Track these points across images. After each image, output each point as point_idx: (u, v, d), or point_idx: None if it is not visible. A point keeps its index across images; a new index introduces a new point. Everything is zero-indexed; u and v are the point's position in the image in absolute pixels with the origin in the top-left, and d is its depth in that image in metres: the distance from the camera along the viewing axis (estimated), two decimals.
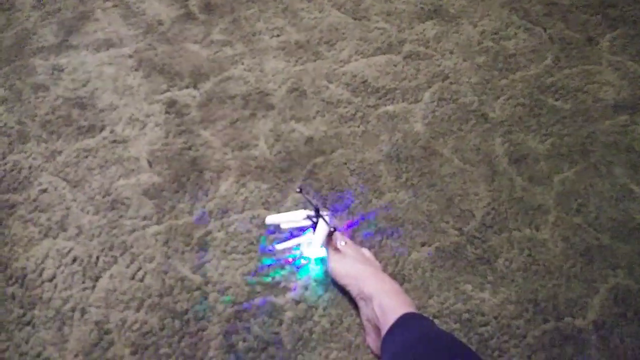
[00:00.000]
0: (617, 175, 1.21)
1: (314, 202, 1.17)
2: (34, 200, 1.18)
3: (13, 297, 1.05)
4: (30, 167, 1.24)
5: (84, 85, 1.40)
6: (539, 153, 1.26)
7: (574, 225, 1.14)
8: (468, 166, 1.24)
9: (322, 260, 1.08)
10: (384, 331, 0.85)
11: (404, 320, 0.83)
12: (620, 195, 1.18)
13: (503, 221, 1.15)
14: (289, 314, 1.02)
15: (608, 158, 1.24)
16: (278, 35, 1.54)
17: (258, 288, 1.05)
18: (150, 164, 1.24)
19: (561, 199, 1.18)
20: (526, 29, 1.56)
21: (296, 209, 1.16)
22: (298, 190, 1.06)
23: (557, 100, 1.37)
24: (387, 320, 0.85)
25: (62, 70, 1.44)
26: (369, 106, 1.36)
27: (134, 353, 0.97)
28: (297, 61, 1.47)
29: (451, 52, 1.50)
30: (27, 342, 0.99)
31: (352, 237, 1.12)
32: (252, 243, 1.12)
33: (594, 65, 1.45)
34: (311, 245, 1.03)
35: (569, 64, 1.46)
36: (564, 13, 1.60)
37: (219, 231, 1.13)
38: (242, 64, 1.46)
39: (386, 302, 0.89)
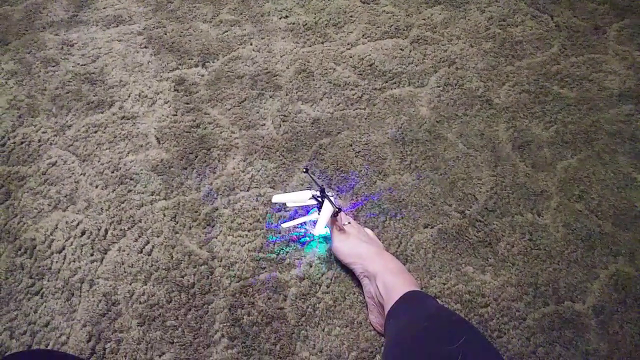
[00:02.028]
0: (620, 163, 1.22)
1: (320, 182, 1.19)
2: (44, 173, 1.20)
3: (22, 267, 1.07)
4: (39, 141, 1.25)
5: (94, 61, 1.41)
6: (543, 140, 1.27)
7: (575, 212, 1.16)
8: (472, 151, 1.25)
9: (327, 239, 1.10)
10: (387, 308, 0.86)
11: (408, 298, 0.85)
12: (623, 183, 1.19)
13: (505, 205, 1.16)
14: (293, 290, 1.04)
15: (612, 146, 1.26)
16: (287, 17, 1.55)
17: (263, 264, 1.07)
18: (158, 140, 1.26)
19: (564, 186, 1.20)
20: (533, 16, 1.57)
21: (302, 189, 1.18)
22: (304, 170, 1.07)
23: (562, 87, 1.38)
24: (391, 297, 0.87)
25: (72, 45, 1.45)
26: (375, 89, 1.37)
27: (141, 324, 1.00)
28: (305, 43, 1.48)
29: (458, 38, 1.50)
30: (35, 312, 1.01)
31: (356, 217, 1.14)
32: (258, 220, 1.13)
33: (600, 54, 1.46)
34: (316, 225, 1.05)
35: (575, 52, 1.47)
36: (571, 1, 1.61)
37: (225, 208, 1.15)
38: (251, 44, 1.47)
39: (390, 280, 0.90)
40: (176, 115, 1.30)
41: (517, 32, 1.52)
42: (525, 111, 1.33)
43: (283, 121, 1.30)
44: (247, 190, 1.18)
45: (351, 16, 1.55)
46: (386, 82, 1.39)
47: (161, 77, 1.38)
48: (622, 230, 1.13)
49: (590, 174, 1.21)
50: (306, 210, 1.14)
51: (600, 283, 1.06)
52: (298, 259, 1.08)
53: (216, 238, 1.11)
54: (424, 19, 1.55)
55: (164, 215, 1.13)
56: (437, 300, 1.02)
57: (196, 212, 1.14)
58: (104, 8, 1.55)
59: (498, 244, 1.11)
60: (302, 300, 1.03)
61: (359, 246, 1.01)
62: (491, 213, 1.15)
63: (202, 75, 1.39)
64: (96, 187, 1.18)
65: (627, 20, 1.54)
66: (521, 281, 1.06)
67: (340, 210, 1.05)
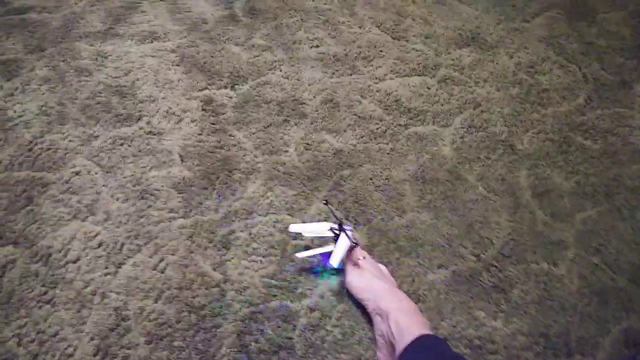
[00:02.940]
0: None
1: (338, 215, 1.19)
2: (67, 182, 1.21)
3: (36, 274, 1.07)
4: (66, 149, 1.27)
5: (126, 75, 1.44)
6: (564, 190, 1.27)
7: (591, 265, 1.15)
8: (492, 195, 1.25)
9: (340, 272, 1.09)
10: (399, 349, 0.86)
11: (422, 342, 0.85)
12: None
13: (521, 253, 1.16)
14: (302, 321, 1.04)
15: (632, 202, 1.25)
16: (317, 46, 1.57)
17: (275, 292, 1.07)
18: (182, 158, 1.27)
19: (581, 237, 1.19)
20: (561, 65, 1.57)
21: (319, 218, 1.18)
22: (324, 202, 1.08)
23: (586, 139, 1.38)
24: (403, 338, 0.86)
25: (106, 57, 1.48)
26: (399, 125, 1.38)
27: (148, 342, 1.00)
28: (333, 73, 1.49)
29: (485, 81, 1.51)
30: (45, 320, 1.02)
31: (370, 252, 1.14)
32: (273, 247, 1.14)
33: (626, 109, 1.46)
34: (331, 257, 1.05)
35: (601, 104, 1.47)
36: (600, 54, 1.61)
37: (242, 231, 1.16)
38: (280, 70, 1.49)
39: (403, 321, 0.90)
40: (201, 134, 1.32)
41: (544, 80, 1.53)
42: (548, 160, 1.33)
43: (306, 149, 1.31)
44: (265, 216, 1.18)
45: (381, 51, 1.57)
46: (411, 119, 1.39)
47: (190, 95, 1.40)
48: (636, 286, 1.12)
49: (609, 227, 1.21)
50: (322, 241, 1.14)
51: (612, 338, 1.05)
52: (310, 289, 1.08)
53: (230, 261, 1.11)
54: (452, 60, 1.56)
55: (181, 234, 1.14)
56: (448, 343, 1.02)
57: (213, 233, 1.15)
58: (140, 23, 1.58)
59: (512, 291, 1.10)
60: (312, 331, 1.02)
61: (372, 282, 1.01)
62: (507, 259, 1.15)
63: (230, 97, 1.41)
64: (117, 199, 1.19)
65: None
66: (532, 331, 1.05)
67: (356, 245, 1.06)
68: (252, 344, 1.00)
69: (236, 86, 1.44)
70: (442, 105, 1.44)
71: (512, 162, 1.32)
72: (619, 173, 1.31)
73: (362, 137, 1.35)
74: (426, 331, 0.88)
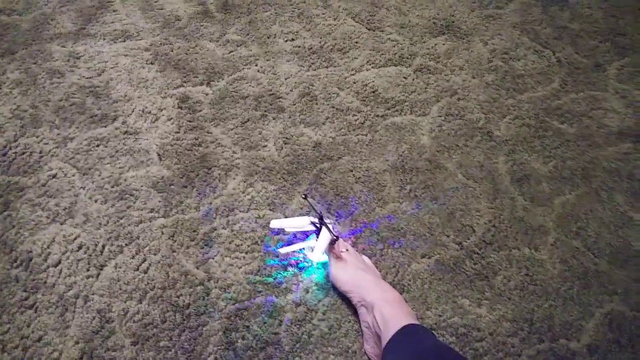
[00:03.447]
0: (618, 202, 1.23)
1: (319, 208, 1.19)
2: (43, 185, 1.19)
3: (17, 279, 1.06)
4: (41, 152, 1.25)
5: (99, 75, 1.42)
6: (542, 174, 1.28)
7: (572, 248, 1.16)
8: (471, 182, 1.26)
9: (324, 265, 1.10)
10: (384, 340, 0.86)
11: (407, 332, 0.85)
12: (620, 222, 1.20)
13: (503, 239, 1.17)
14: (288, 316, 1.04)
15: (609, 184, 1.27)
16: (293, 40, 1.56)
17: (260, 287, 1.07)
18: (160, 157, 1.26)
19: (561, 221, 1.20)
20: (535, 50, 1.59)
21: (301, 212, 1.18)
22: (303, 196, 1.08)
23: (562, 123, 1.39)
24: (389, 329, 0.87)
25: (79, 58, 1.46)
26: (377, 116, 1.38)
27: (134, 343, 0.99)
28: (310, 66, 1.49)
29: (461, 69, 1.52)
30: (28, 326, 1.01)
31: (354, 244, 1.14)
32: (256, 242, 1.13)
33: (600, 92, 1.48)
34: (314, 251, 1.05)
35: (576, 88, 1.48)
36: (573, 38, 1.63)
37: (224, 228, 1.15)
38: (256, 65, 1.48)
39: (388, 311, 0.90)
40: (179, 132, 1.31)
41: (519, 65, 1.54)
42: (525, 145, 1.34)
43: (285, 144, 1.30)
44: (247, 212, 1.18)
45: (356, 42, 1.57)
46: (388, 109, 1.40)
47: (165, 93, 1.39)
48: (617, 269, 1.13)
49: (588, 211, 1.22)
50: (305, 235, 1.14)
51: (595, 322, 1.06)
52: (295, 284, 1.08)
53: (213, 259, 1.10)
54: (428, 49, 1.57)
55: (162, 233, 1.13)
56: (434, 332, 1.02)
57: (194, 231, 1.14)
58: (112, 22, 1.56)
59: (495, 278, 1.11)
60: (298, 326, 1.02)
61: (356, 274, 1.01)
62: (489, 246, 1.16)
63: (207, 94, 1.39)
64: (95, 201, 1.17)
65: (627, 59, 1.56)
66: (517, 316, 1.06)
67: (337, 238, 1.06)
68: (239, 340, 1.00)
69: (212, 82, 1.42)
70: (419, 94, 1.44)
71: (490, 148, 1.33)
72: (595, 155, 1.32)
73: (341, 129, 1.35)
74: (411, 321, 0.88)
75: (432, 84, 1.47)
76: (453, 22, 1.66)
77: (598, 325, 1.05)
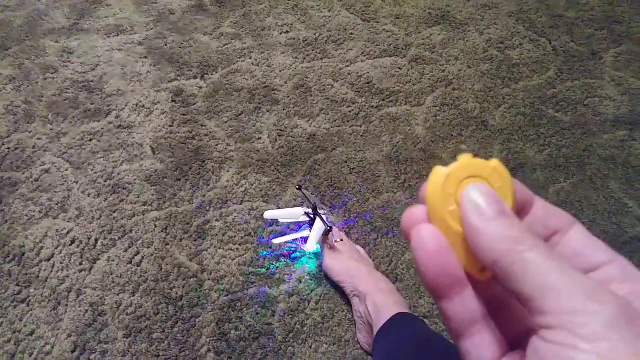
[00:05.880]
0: (612, 189, 1.23)
1: (312, 200, 1.19)
2: (36, 180, 1.20)
3: (9, 274, 1.06)
4: (34, 147, 1.25)
5: (93, 69, 1.42)
6: (537, 163, 1.28)
7: None
8: None
9: (317, 255, 1.09)
10: (376, 329, 0.86)
11: (398, 320, 0.85)
12: (614, 208, 1.20)
13: None
14: (282, 306, 1.04)
15: (604, 172, 1.26)
16: (287, 32, 1.55)
17: (253, 279, 1.07)
18: (153, 151, 1.26)
19: None
20: (531, 39, 1.58)
21: (295, 204, 1.18)
22: (297, 187, 1.07)
23: (557, 111, 1.39)
24: (381, 318, 0.86)
25: (72, 53, 1.45)
26: (372, 107, 1.38)
27: (127, 336, 0.99)
28: (304, 58, 1.48)
29: (456, 59, 1.51)
30: (21, 320, 1.01)
31: (348, 234, 1.14)
32: (249, 234, 1.13)
33: (596, 80, 1.47)
34: (307, 242, 1.05)
35: (572, 76, 1.48)
36: (569, 26, 1.62)
37: (217, 221, 1.15)
38: (251, 57, 1.47)
39: (380, 301, 0.90)
40: (172, 126, 1.30)
41: (515, 55, 1.53)
42: (520, 134, 1.33)
43: (279, 136, 1.30)
44: (240, 204, 1.18)
45: (351, 33, 1.56)
46: (383, 100, 1.39)
47: (159, 87, 1.39)
48: None
49: (582, 198, 1.22)
50: (298, 226, 1.14)
51: None
52: (288, 274, 1.08)
53: (207, 251, 1.10)
54: (423, 39, 1.56)
55: (156, 226, 1.13)
56: (425, 320, 1.02)
57: (188, 224, 1.14)
58: (106, 17, 1.56)
59: None
60: (291, 316, 1.02)
61: (349, 264, 1.01)
62: None
63: (201, 87, 1.39)
64: (88, 195, 1.18)
65: (623, 47, 1.55)
66: None
67: (331, 229, 1.05)
68: (232, 331, 1.00)
69: (206, 76, 1.42)
70: (414, 85, 1.43)
71: (485, 137, 1.32)
72: (590, 143, 1.32)
73: (335, 120, 1.34)
74: (403, 310, 0.88)
75: (427, 74, 1.46)
76: (448, 12, 1.65)
77: None
